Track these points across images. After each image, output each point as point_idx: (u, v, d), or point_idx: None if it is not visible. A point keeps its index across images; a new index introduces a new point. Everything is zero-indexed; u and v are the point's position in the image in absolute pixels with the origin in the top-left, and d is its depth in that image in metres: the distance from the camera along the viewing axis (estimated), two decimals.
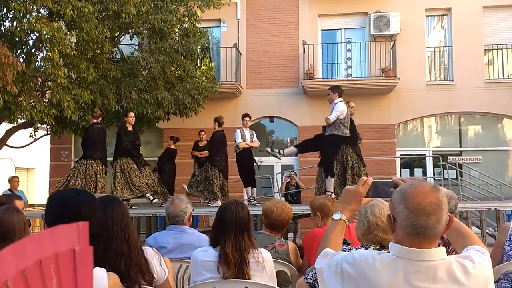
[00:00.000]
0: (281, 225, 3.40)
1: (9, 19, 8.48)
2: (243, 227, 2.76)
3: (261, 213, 3.22)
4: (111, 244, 2.18)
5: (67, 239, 0.94)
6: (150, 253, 2.42)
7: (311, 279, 2.32)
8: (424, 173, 12.98)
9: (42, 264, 0.87)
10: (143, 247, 2.43)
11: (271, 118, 13.65)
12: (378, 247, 2.34)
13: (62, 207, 1.84)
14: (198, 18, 10.62)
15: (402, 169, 13.01)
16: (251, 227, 2.84)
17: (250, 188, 8.74)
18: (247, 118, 8.82)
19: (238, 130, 8.71)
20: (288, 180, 11.64)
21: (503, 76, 12.98)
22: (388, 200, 1.84)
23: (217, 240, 2.76)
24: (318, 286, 1.73)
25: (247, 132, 8.73)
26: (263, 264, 2.75)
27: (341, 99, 7.34)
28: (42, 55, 8.82)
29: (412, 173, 13.02)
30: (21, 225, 2.48)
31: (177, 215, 3.44)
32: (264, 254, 2.80)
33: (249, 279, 2.67)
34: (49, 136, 12.98)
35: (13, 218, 2.47)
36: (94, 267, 1.84)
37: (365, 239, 2.42)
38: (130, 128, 8.46)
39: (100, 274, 1.85)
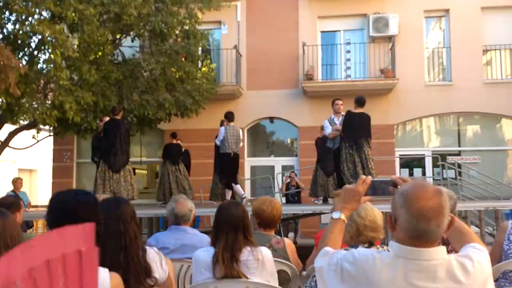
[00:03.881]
0: (275, 222, 3.43)
1: (11, 21, 8.52)
2: (236, 226, 2.80)
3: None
4: (105, 252, 2.06)
5: (74, 240, 0.95)
6: (152, 255, 2.38)
7: (309, 286, 2.41)
8: (423, 173, 13.01)
9: (50, 264, 0.89)
10: (146, 247, 2.38)
11: (271, 119, 13.71)
12: (366, 246, 2.39)
13: (61, 208, 1.84)
14: (198, 20, 10.64)
15: (401, 169, 13.04)
16: (248, 225, 2.87)
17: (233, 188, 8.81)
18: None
19: (222, 128, 8.73)
20: (289, 180, 11.65)
21: (501, 77, 13.02)
22: (387, 199, 1.89)
23: (215, 240, 2.84)
24: None
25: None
26: (263, 262, 2.78)
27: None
28: (44, 57, 8.86)
29: (411, 173, 13.06)
30: (7, 230, 2.26)
31: (185, 214, 3.49)
32: (264, 252, 2.84)
33: (240, 277, 2.70)
34: (51, 138, 13.02)
35: None
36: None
37: (354, 241, 2.45)
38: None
39: (103, 274, 1.82)
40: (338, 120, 8.10)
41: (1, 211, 2.47)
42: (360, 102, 7.80)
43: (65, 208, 1.82)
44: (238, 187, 8.68)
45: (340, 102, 8.31)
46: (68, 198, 1.87)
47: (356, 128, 7.67)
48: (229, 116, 8.75)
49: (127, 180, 8.01)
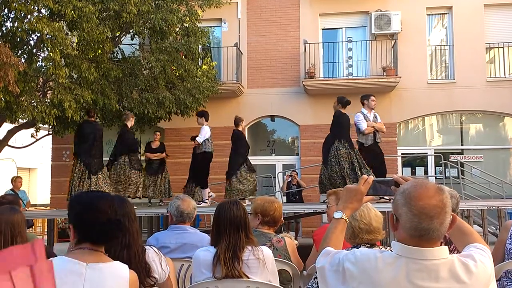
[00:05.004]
0: (279, 220, 3.47)
1: (10, 19, 8.47)
2: (238, 226, 2.80)
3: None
4: (109, 249, 2.12)
5: (21, 259, 0.93)
6: (152, 255, 2.39)
7: (310, 287, 2.39)
8: (426, 172, 12.97)
9: None
10: (145, 246, 2.41)
11: (272, 117, 13.66)
12: (368, 246, 2.38)
13: (82, 205, 1.90)
14: (198, 18, 10.60)
15: (403, 168, 13.01)
16: (248, 224, 2.87)
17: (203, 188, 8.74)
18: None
19: (207, 127, 8.63)
20: (289, 179, 11.63)
21: (505, 75, 12.96)
22: (388, 198, 1.84)
23: (216, 240, 2.83)
24: None
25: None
26: (264, 261, 2.77)
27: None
28: (44, 55, 8.80)
29: (413, 172, 13.02)
30: (9, 227, 2.36)
31: (189, 212, 3.53)
32: (265, 251, 2.83)
33: (242, 277, 2.69)
34: (50, 136, 13.01)
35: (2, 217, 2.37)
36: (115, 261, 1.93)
37: (353, 242, 2.46)
38: None
39: (122, 269, 1.89)
40: (371, 116, 7.95)
41: (12, 207, 2.47)
42: (345, 103, 7.83)
43: (86, 203, 1.90)
44: (205, 191, 8.63)
45: (374, 97, 8.09)
46: (89, 195, 1.97)
47: (347, 128, 7.74)
48: (206, 116, 8.72)
49: (106, 182, 7.96)
